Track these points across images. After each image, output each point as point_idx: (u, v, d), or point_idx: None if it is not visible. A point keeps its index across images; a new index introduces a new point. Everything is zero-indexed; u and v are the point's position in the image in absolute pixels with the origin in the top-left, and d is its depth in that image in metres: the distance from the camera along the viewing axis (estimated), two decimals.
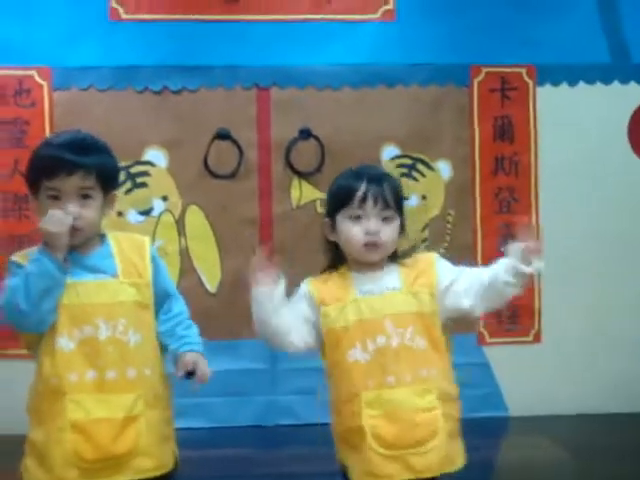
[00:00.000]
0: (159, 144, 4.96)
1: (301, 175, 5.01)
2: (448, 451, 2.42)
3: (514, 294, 2.48)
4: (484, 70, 5.09)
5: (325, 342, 2.46)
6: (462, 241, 5.11)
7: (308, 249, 4.98)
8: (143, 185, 4.97)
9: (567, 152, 5.11)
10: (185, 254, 4.97)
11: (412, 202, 5.07)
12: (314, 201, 5.04)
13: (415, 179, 5.10)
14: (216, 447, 4.62)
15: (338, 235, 2.54)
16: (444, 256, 4.91)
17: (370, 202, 2.45)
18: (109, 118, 4.89)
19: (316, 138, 4.99)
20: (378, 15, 5.06)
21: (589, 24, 5.16)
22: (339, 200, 2.51)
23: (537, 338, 5.13)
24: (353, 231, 2.46)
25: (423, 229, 5.11)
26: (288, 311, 2.46)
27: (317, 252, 4.91)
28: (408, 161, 5.09)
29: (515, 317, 5.13)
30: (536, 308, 5.11)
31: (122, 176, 4.92)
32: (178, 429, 2.58)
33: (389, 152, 5.07)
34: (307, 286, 2.54)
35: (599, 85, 5.20)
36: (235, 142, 4.96)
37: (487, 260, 5.01)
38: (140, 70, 4.94)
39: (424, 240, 5.11)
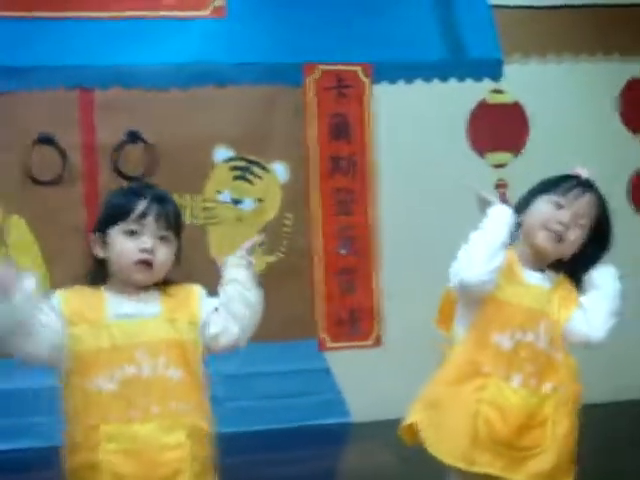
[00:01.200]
0: None
1: (130, 180, 4.77)
2: None
3: None
4: (319, 68, 4.97)
5: (69, 366, 2.22)
6: (300, 244, 4.99)
7: None
8: None
9: (406, 150, 5.03)
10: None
11: (247, 205, 4.93)
12: None
13: (250, 182, 4.94)
14: None
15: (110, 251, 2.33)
16: (282, 261, 4.95)
17: (149, 220, 2.28)
18: None
19: (144, 141, 4.79)
20: (208, 12, 4.88)
21: (425, 21, 5.10)
22: (115, 214, 2.33)
23: (377, 342, 5.04)
24: (127, 247, 2.28)
25: (259, 233, 4.96)
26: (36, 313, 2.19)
27: None
28: (242, 163, 4.93)
29: (356, 321, 5.04)
30: (376, 311, 5.02)
31: None
32: None
33: (222, 154, 4.90)
34: (58, 298, 2.28)
35: (436, 82, 5.13)
36: (58, 147, 4.71)
37: (326, 262, 5.05)
38: None
39: (261, 244, 4.95)
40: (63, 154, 4.72)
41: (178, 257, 2.40)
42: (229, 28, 4.88)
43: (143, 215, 2.28)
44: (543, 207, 2.48)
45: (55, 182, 4.72)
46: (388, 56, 5.03)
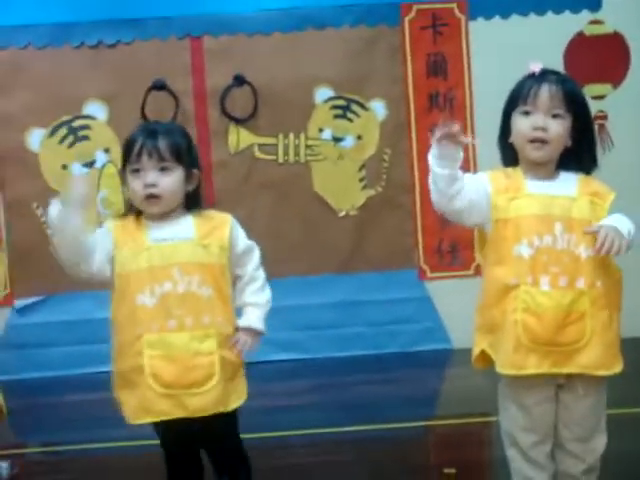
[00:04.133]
0: (98, 98, 5.11)
1: (237, 121, 5.11)
2: (223, 393, 2.52)
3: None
4: (415, 7, 5.12)
5: (115, 283, 2.55)
6: (399, 179, 5.20)
7: (248, 194, 5.13)
8: (85, 138, 5.12)
9: (502, 85, 5.07)
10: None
11: (347, 143, 5.17)
12: (251, 146, 5.15)
13: (350, 120, 5.18)
14: None
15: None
16: (382, 195, 5.17)
17: (145, 156, 2.51)
18: (48, 75, 5.05)
19: (250, 84, 5.08)
20: None
21: None
22: (124, 154, 2.58)
23: (478, 271, 5.20)
24: (135, 185, 2.53)
25: (360, 169, 5.19)
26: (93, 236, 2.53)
27: (257, 197, 5.12)
28: (342, 102, 5.16)
29: (455, 251, 5.22)
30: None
31: (64, 130, 5.08)
32: None
33: (322, 94, 5.15)
34: (109, 224, 2.60)
35: (532, 16, 5.20)
36: (171, 92, 5.07)
37: (424, 197, 5.22)
38: (76, 26, 5.06)
39: (362, 179, 5.20)
40: (176, 99, 5.07)
41: (196, 184, 2.62)
42: None
43: (139, 153, 2.51)
44: (517, 122, 2.48)
45: None
46: None
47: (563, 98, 2.46)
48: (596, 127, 5.10)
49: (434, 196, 2.48)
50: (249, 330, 2.59)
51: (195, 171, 2.61)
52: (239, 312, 2.63)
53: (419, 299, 5.23)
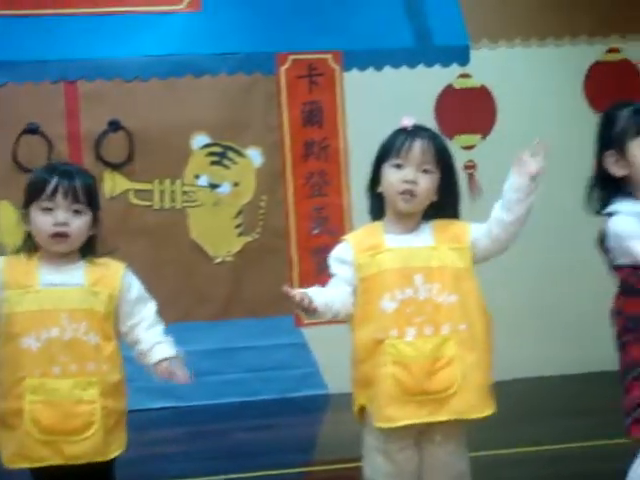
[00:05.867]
0: None
1: (112, 167, 5.07)
2: (103, 442, 2.51)
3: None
4: (291, 57, 5.22)
5: (3, 323, 2.53)
6: (276, 226, 5.25)
7: (124, 240, 5.05)
8: None
9: (376, 135, 5.22)
10: (3, 250, 4.98)
11: (224, 189, 5.20)
12: (127, 192, 5.11)
13: (226, 166, 5.21)
14: None
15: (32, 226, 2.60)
16: (258, 241, 5.20)
17: (60, 195, 2.50)
18: None
19: (125, 129, 5.06)
20: (183, 6, 5.14)
21: (393, 9, 5.33)
22: (32, 192, 2.57)
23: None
24: (43, 222, 2.51)
25: (237, 215, 5.22)
26: None
27: (133, 243, 5.07)
28: (218, 149, 5.19)
29: None
30: None
31: None
32: None
33: (199, 140, 5.17)
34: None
35: (405, 69, 5.37)
36: (44, 136, 4.99)
37: (301, 243, 5.29)
38: None
39: (238, 226, 5.22)
40: (49, 143, 5.00)
41: (98, 228, 2.63)
42: (204, 21, 5.15)
43: (54, 192, 2.51)
44: (388, 174, 2.54)
45: None
46: (357, 44, 5.27)
47: (434, 154, 2.54)
48: (466, 176, 5.38)
49: None
50: (167, 360, 2.57)
51: (99, 215, 2.62)
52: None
53: (295, 345, 5.26)
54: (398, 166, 2.52)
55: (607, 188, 2.58)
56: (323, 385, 5.26)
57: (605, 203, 2.57)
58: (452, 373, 2.48)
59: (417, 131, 2.55)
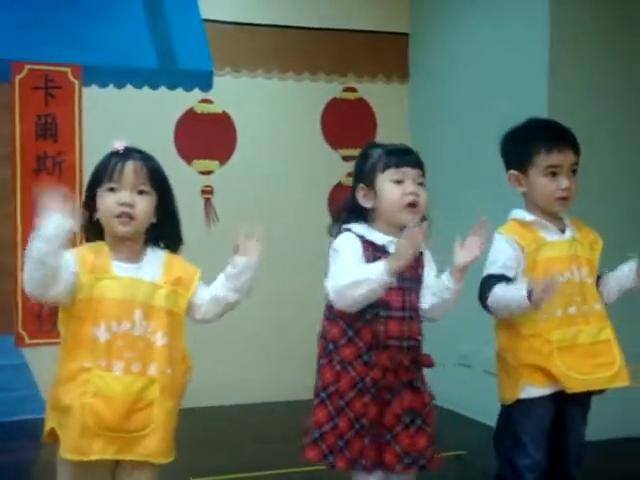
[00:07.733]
0: None
1: None
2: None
3: None
4: (27, 67, 5.02)
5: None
6: (5, 239, 5.02)
7: None
8: None
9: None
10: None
11: None
12: None
13: None
14: None
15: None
16: None
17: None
18: None
19: None
20: None
21: (136, 28, 5.27)
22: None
23: None
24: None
25: None
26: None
27: None
28: None
29: (57, 318, 5.09)
30: None
31: None
32: None
33: None
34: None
35: (147, 90, 5.32)
36: None
37: None
38: None
39: None
40: None
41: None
42: None
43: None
44: (103, 199, 2.54)
45: None
46: (99, 60, 5.16)
47: (147, 175, 2.56)
48: (202, 201, 5.40)
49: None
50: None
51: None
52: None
53: (15, 366, 5.03)
54: (112, 189, 2.52)
55: (353, 215, 2.80)
56: (44, 409, 5.05)
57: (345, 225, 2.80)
58: (150, 415, 2.50)
59: (129, 153, 2.57)
